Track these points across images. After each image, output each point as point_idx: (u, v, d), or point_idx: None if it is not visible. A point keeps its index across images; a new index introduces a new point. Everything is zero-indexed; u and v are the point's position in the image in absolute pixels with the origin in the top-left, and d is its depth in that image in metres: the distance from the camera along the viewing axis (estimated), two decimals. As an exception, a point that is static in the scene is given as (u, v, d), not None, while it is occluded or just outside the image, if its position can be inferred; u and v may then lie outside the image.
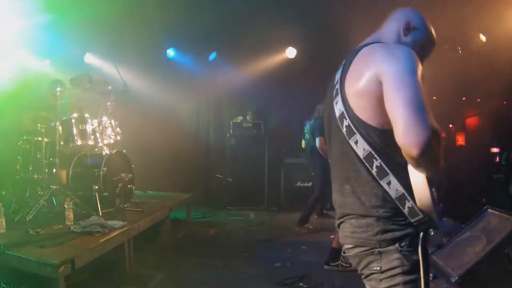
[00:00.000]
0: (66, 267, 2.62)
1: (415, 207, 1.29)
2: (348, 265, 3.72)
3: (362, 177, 1.37)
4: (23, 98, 4.54)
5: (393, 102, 1.21)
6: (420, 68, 1.26)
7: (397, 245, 1.32)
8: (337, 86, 1.42)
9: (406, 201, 1.30)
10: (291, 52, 6.94)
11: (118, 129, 4.96)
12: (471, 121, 7.18)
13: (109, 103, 4.88)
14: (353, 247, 1.43)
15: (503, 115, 6.19)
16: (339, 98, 1.40)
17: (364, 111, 1.32)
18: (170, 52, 7.10)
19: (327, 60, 6.29)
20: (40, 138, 4.18)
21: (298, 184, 6.70)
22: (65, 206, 3.67)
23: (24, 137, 4.16)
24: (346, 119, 1.36)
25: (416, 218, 1.30)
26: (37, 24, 5.06)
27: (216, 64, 7.03)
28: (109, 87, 4.84)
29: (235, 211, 6.45)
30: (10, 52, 4.81)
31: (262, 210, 6.63)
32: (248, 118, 7.08)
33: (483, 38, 5.64)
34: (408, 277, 1.32)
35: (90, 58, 6.61)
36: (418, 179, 1.26)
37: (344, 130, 1.38)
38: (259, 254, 4.33)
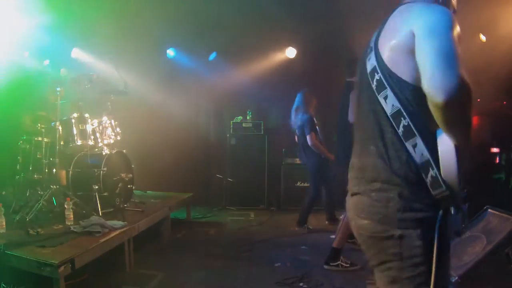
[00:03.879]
0: (66, 267, 2.62)
1: (439, 177, 1.19)
2: (348, 265, 3.72)
3: (387, 137, 1.29)
4: (23, 98, 4.54)
5: (423, 50, 1.17)
6: (457, 28, 1.20)
7: (419, 230, 1.22)
8: (372, 43, 1.40)
9: (430, 169, 1.20)
10: (291, 52, 6.94)
11: (118, 129, 4.96)
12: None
13: (109, 103, 4.89)
14: (368, 223, 1.32)
15: (503, 115, 6.18)
16: (372, 54, 1.36)
17: (398, 65, 1.27)
18: (170, 52, 7.10)
19: (327, 60, 6.38)
20: (40, 138, 4.18)
21: (298, 184, 6.69)
22: (65, 206, 3.67)
23: (24, 137, 4.17)
24: (377, 73, 1.31)
25: (438, 191, 1.20)
26: (37, 24, 5.06)
27: (216, 64, 7.03)
28: (109, 87, 4.84)
29: (235, 211, 6.45)
30: (10, 52, 4.81)
31: (262, 210, 6.63)
32: (248, 118, 7.08)
33: (483, 38, 5.64)
34: (432, 266, 1.21)
35: (90, 58, 6.60)
36: (446, 147, 1.18)
37: (374, 84, 1.33)
38: (259, 254, 4.32)
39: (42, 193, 3.99)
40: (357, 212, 1.38)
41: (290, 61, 6.97)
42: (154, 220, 4.32)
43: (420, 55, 1.18)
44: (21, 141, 4.15)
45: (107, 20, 5.48)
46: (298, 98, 5.35)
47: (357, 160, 1.44)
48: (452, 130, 1.17)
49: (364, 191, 1.35)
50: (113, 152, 4.54)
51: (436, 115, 1.14)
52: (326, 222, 5.66)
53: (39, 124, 4.19)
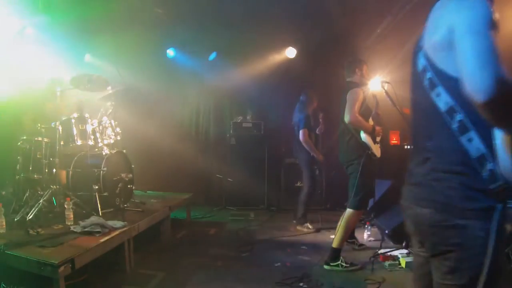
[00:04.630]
0: (66, 267, 2.62)
1: (496, 171, 1.19)
2: (348, 265, 3.72)
3: (443, 132, 1.30)
4: (23, 98, 4.53)
5: (461, 50, 1.16)
6: (495, 16, 1.18)
7: (482, 221, 1.21)
8: (420, 42, 1.41)
9: (487, 163, 1.21)
10: (291, 52, 6.94)
11: (118, 129, 4.96)
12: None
13: (109, 103, 4.89)
14: (429, 212, 1.32)
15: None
16: (421, 53, 1.38)
17: (446, 62, 1.27)
18: (170, 52, 7.10)
19: (327, 60, 6.38)
20: (40, 138, 4.18)
21: (298, 184, 6.69)
22: (65, 206, 3.67)
23: (24, 137, 4.16)
24: (428, 72, 1.33)
25: (495, 185, 1.20)
26: (37, 24, 5.06)
27: (216, 64, 7.03)
28: (109, 87, 4.84)
29: (235, 211, 6.44)
30: (10, 52, 4.81)
31: (262, 210, 6.63)
32: (248, 118, 7.08)
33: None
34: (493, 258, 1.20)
35: (90, 59, 6.60)
36: (502, 141, 1.18)
37: (426, 83, 1.34)
38: (259, 254, 4.32)
39: (42, 193, 3.99)
40: (416, 201, 1.39)
41: (290, 61, 6.97)
42: (154, 220, 4.32)
43: (458, 54, 1.18)
44: (21, 141, 4.14)
45: (107, 20, 5.47)
46: (301, 97, 5.53)
47: (415, 157, 1.45)
48: (500, 125, 1.17)
49: (424, 181, 1.36)
50: (113, 152, 4.54)
51: (481, 113, 1.14)
52: (294, 222, 5.58)
53: (39, 124, 4.19)
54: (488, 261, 1.20)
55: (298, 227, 5.36)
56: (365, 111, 3.78)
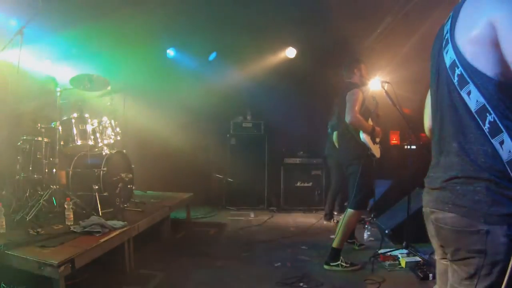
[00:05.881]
0: (66, 267, 2.62)
1: None
2: (348, 265, 3.72)
3: (472, 133, 1.24)
4: (23, 98, 4.53)
5: (511, 43, 1.12)
6: None
7: (505, 227, 1.16)
8: (447, 35, 1.33)
9: None
10: (291, 52, 6.94)
11: (118, 129, 4.96)
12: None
13: (109, 103, 4.89)
14: (452, 217, 1.28)
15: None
16: (449, 47, 1.31)
17: (479, 59, 1.22)
18: (170, 52, 7.10)
19: (327, 60, 6.38)
20: (40, 138, 4.18)
21: (298, 184, 6.70)
22: (65, 206, 3.66)
23: (24, 137, 4.16)
24: (458, 67, 1.26)
25: None
26: (37, 24, 5.05)
27: (216, 64, 7.03)
28: (109, 87, 4.84)
29: (235, 211, 6.45)
30: (9, 52, 4.81)
31: (262, 210, 6.63)
32: (248, 118, 7.08)
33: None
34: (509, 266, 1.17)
35: (90, 58, 6.59)
36: None
37: (455, 80, 1.28)
38: (259, 254, 4.32)
39: (42, 193, 3.99)
40: (439, 206, 1.34)
41: (290, 61, 6.97)
42: (154, 220, 4.32)
43: (508, 50, 1.13)
44: (21, 141, 4.14)
45: (107, 20, 5.47)
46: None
47: (438, 158, 1.40)
48: None
49: (448, 185, 1.31)
50: (113, 152, 4.54)
51: None
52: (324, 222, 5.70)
53: (39, 124, 4.19)
54: (509, 270, 1.16)
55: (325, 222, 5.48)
56: (364, 112, 3.78)
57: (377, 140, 3.86)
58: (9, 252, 2.78)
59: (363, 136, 3.71)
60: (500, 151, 1.19)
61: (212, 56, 7.05)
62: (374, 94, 4.17)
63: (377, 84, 4.06)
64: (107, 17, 5.41)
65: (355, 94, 3.67)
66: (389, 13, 5.42)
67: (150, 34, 6.27)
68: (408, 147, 4.72)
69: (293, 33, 6.44)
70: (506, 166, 1.19)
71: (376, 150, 3.81)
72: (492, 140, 1.20)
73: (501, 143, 1.19)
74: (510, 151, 1.18)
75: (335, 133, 5.06)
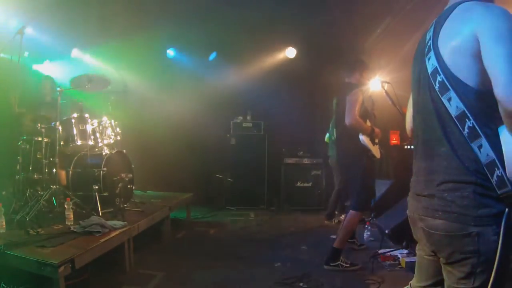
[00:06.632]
0: (66, 267, 2.62)
1: (504, 177, 1.21)
2: (348, 265, 3.71)
3: (454, 137, 1.31)
4: (23, 98, 4.53)
5: (493, 56, 1.18)
6: None
7: (494, 226, 1.24)
8: (430, 42, 1.38)
9: (496, 169, 1.23)
10: (291, 52, 6.94)
11: (118, 129, 4.96)
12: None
13: (109, 103, 4.89)
14: (443, 223, 1.33)
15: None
16: (432, 54, 1.36)
17: (460, 69, 1.28)
18: (170, 52, 7.10)
19: (327, 60, 6.38)
20: (40, 138, 4.18)
21: (298, 184, 6.69)
22: (65, 206, 3.67)
23: (24, 137, 4.16)
24: (439, 75, 1.32)
25: (504, 190, 1.22)
26: (37, 24, 5.06)
27: (216, 64, 7.03)
28: (109, 87, 4.85)
29: (235, 211, 6.45)
30: (9, 53, 4.81)
31: (262, 210, 6.63)
32: (248, 118, 7.08)
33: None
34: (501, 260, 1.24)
35: (90, 59, 6.60)
36: (510, 147, 1.20)
37: (437, 86, 1.33)
38: (259, 254, 4.32)
39: (42, 193, 3.99)
40: (428, 213, 1.39)
41: (290, 61, 6.97)
42: (154, 220, 4.32)
43: (489, 62, 1.19)
44: (21, 141, 4.15)
45: (106, 20, 5.47)
46: None
47: (423, 162, 1.44)
48: None
49: (436, 193, 1.36)
50: (113, 152, 4.54)
51: (506, 120, 1.18)
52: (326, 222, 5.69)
53: (39, 124, 4.18)
54: (497, 263, 1.24)
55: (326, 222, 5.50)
56: (364, 113, 3.78)
57: (376, 140, 3.86)
58: (9, 252, 2.79)
59: (362, 137, 3.70)
60: (479, 155, 1.25)
61: (212, 56, 7.05)
62: (372, 93, 4.16)
63: (377, 84, 4.06)
64: (107, 17, 5.41)
65: (356, 95, 3.67)
66: (389, 13, 5.42)
67: (150, 34, 6.27)
68: (408, 147, 4.73)
69: (293, 33, 6.44)
70: (485, 168, 1.25)
71: (376, 151, 3.81)
72: (471, 145, 1.27)
73: (480, 147, 1.25)
74: (487, 155, 1.24)
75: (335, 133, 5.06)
